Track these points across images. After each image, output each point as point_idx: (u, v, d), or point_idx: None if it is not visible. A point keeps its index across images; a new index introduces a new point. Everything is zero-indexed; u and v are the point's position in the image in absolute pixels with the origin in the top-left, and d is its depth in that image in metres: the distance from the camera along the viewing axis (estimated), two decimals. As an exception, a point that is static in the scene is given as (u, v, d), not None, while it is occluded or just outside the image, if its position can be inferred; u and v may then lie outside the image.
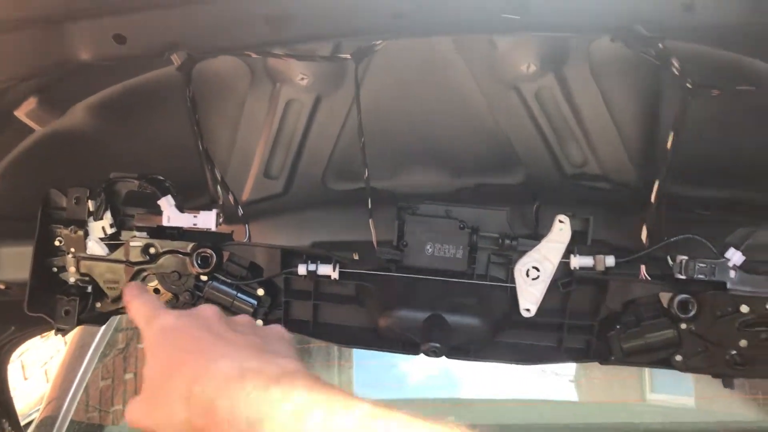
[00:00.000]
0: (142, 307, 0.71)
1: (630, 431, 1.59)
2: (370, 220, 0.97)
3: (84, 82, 0.97)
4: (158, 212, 0.98)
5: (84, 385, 1.74)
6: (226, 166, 1.07)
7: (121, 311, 1.04)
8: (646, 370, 2.74)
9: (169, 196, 0.98)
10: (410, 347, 0.98)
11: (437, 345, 0.91)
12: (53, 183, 1.02)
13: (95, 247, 0.99)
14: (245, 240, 1.01)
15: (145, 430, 0.61)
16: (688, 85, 0.87)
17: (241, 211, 0.98)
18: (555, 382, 2.68)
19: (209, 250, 0.96)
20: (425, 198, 0.99)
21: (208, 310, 0.68)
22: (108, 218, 0.99)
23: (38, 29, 0.73)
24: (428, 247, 0.96)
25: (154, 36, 0.75)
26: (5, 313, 1.42)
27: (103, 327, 1.92)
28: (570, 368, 2.85)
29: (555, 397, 2.45)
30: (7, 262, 1.23)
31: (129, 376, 2.33)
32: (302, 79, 0.95)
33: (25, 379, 3.67)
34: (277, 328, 0.72)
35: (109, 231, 0.99)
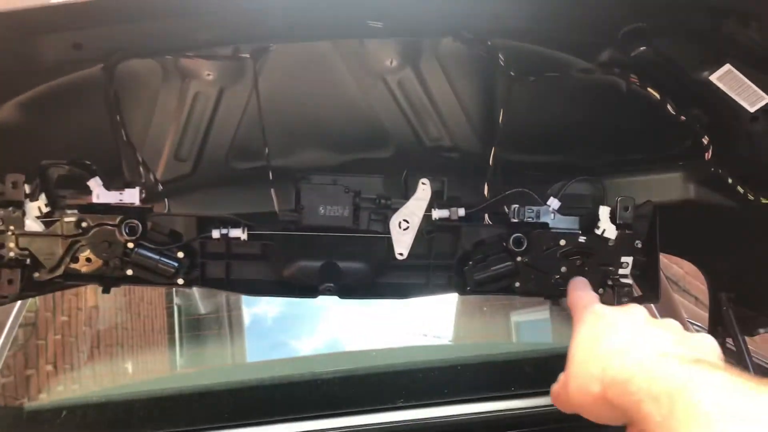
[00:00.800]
0: (580, 297, 0.92)
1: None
2: (272, 189, 1.20)
3: (13, 85, 1.12)
4: (88, 192, 1.16)
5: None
6: (141, 149, 1.25)
7: (56, 282, 1.19)
8: (513, 331, 3.14)
9: (97, 177, 1.15)
10: (309, 291, 1.21)
11: (332, 285, 1.15)
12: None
13: (32, 224, 1.15)
14: (165, 211, 1.21)
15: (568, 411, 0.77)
16: (512, 73, 1.15)
17: (160, 187, 1.17)
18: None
19: (135, 221, 1.15)
20: (316, 172, 1.23)
21: (634, 308, 0.81)
22: (43, 199, 1.15)
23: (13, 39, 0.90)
24: (321, 208, 1.19)
25: (104, 43, 0.94)
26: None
27: (12, 316, 2.02)
28: (448, 333, 3.21)
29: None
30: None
31: (30, 371, 2.40)
32: (208, 75, 1.15)
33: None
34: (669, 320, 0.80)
35: (45, 210, 1.15)
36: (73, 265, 1.18)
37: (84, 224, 1.16)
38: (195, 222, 1.18)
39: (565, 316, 1.94)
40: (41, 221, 1.15)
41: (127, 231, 1.15)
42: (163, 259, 1.18)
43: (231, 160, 1.33)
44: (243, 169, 1.34)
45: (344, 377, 1.75)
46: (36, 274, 1.18)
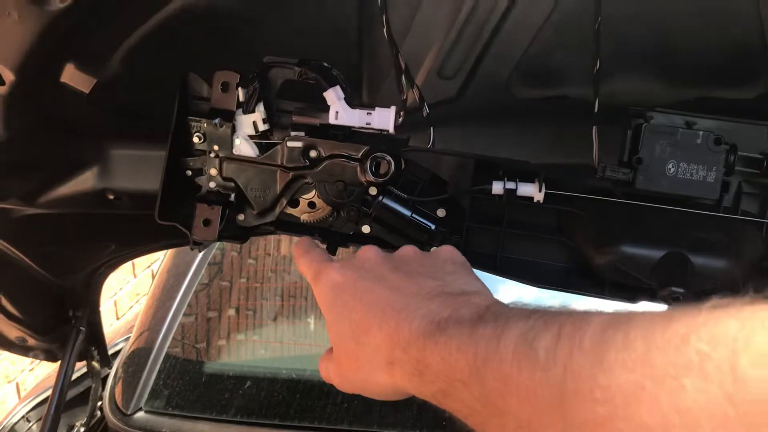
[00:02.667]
0: (307, 264, 0.66)
1: None
2: (594, 128, 0.77)
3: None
4: (322, 107, 0.80)
5: (178, 320, 1.60)
6: (400, 51, 0.87)
7: (266, 228, 0.86)
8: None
9: (338, 87, 0.79)
10: (638, 293, 0.78)
11: (680, 290, 0.71)
12: (187, 69, 0.84)
13: (244, 146, 0.81)
14: (429, 146, 0.82)
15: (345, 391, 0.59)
16: None
17: (426, 110, 0.78)
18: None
19: (387, 156, 0.77)
20: (657, 108, 0.78)
21: (368, 253, 0.63)
22: (261, 111, 0.80)
23: None
24: (670, 165, 0.75)
25: None
26: (106, 229, 1.27)
27: (199, 257, 1.78)
28: None
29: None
30: (119, 168, 1.06)
31: (212, 314, 2.21)
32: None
33: (117, 318, 3.61)
34: (446, 254, 0.62)
35: (262, 127, 0.80)
36: (290, 210, 0.84)
37: (313, 153, 0.80)
38: (471, 166, 0.79)
39: None
40: (255, 143, 0.82)
41: (372, 169, 0.78)
42: (416, 216, 0.80)
43: (515, 83, 0.91)
44: (530, 99, 0.93)
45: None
46: (240, 216, 0.85)
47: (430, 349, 0.47)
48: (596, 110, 0.76)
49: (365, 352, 0.54)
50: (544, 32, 0.84)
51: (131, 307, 3.75)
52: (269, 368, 1.53)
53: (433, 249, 0.66)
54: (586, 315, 0.39)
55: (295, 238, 0.84)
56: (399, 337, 0.50)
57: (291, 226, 0.85)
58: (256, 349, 2.00)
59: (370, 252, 0.63)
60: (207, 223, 0.82)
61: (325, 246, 0.82)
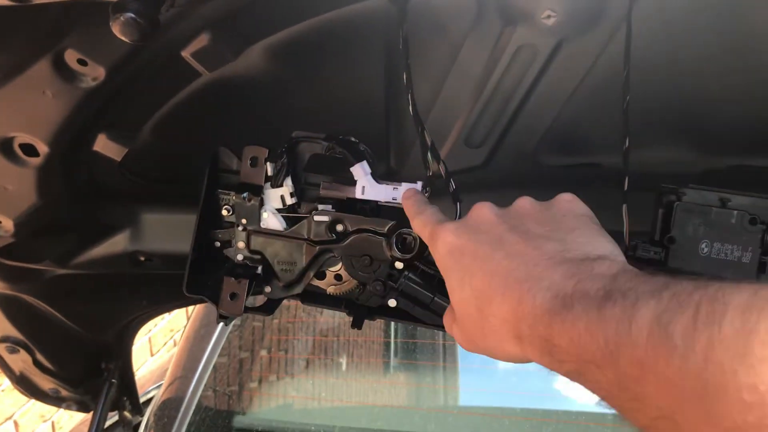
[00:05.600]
0: (422, 225, 0.65)
1: None
2: (624, 207, 0.75)
3: (267, 17, 0.78)
4: (349, 181, 0.80)
5: (212, 365, 1.61)
6: (425, 128, 0.87)
7: (292, 298, 0.86)
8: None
9: (365, 162, 0.79)
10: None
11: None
12: (215, 142, 0.85)
13: (271, 219, 0.81)
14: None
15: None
16: None
17: (453, 185, 0.78)
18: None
19: (413, 233, 0.77)
20: (687, 182, 0.77)
21: (483, 211, 0.60)
22: (288, 185, 0.80)
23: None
24: (703, 245, 0.73)
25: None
26: (137, 287, 1.29)
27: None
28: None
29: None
30: (151, 231, 1.08)
31: (245, 354, 2.21)
32: (548, 17, 0.73)
33: (152, 355, 3.64)
34: (566, 206, 0.59)
35: (289, 201, 0.81)
36: (316, 282, 0.84)
37: (340, 227, 0.80)
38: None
39: None
40: (282, 216, 0.82)
41: (398, 245, 0.77)
42: (438, 297, 0.79)
43: (542, 151, 0.91)
44: (556, 167, 0.92)
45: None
46: (267, 289, 0.85)
47: (558, 329, 0.45)
48: (626, 188, 0.74)
49: (491, 323, 0.52)
50: (571, 103, 0.84)
51: (165, 344, 3.78)
52: (297, 424, 1.52)
53: (554, 199, 0.62)
54: (723, 292, 0.36)
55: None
56: (524, 312, 0.49)
57: (318, 298, 0.84)
58: (288, 390, 1.99)
59: (484, 210, 0.60)
60: (234, 297, 0.82)
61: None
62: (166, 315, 3.83)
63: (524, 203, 0.61)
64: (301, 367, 2.25)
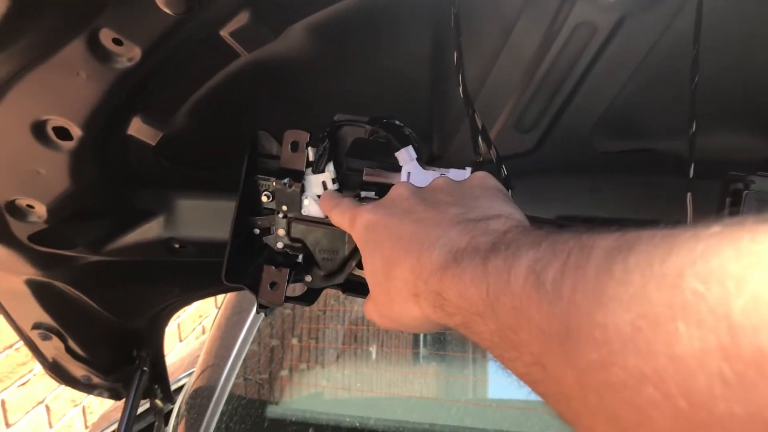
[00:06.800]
0: (342, 214, 0.67)
1: None
2: (689, 195, 0.70)
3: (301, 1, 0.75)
4: (393, 167, 0.76)
5: (244, 353, 1.58)
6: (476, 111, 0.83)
7: (333, 288, 0.83)
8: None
9: (410, 147, 0.74)
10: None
11: None
12: (253, 125, 0.82)
13: (313, 206, 0.78)
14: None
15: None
16: None
17: (505, 171, 0.73)
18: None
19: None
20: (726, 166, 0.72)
21: (400, 189, 0.62)
22: (330, 171, 0.77)
23: None
24: None
25: None
26: (170, 274, 1.27)
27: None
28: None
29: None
30: (185, 218, 1.05)
31: (275, 342, 2.20)
32: (612, -8, 0.68)
33: (181, 341, 3.66)
34: (477, 180, 0.61)
35: (331, 187, 0.77)
36: (358, 272, 0.80)
37: (379, 207, 0.76)
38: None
39: None
40: (325, 203, 0.78)
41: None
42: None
43: (597, 136, 0.86)
44: (613, 153, 0.87)
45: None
46: (308, 278, 0.82)
47: (448, 282, 0.47)
48: (691, 176, 0.69)
49: (395, 286, 0.54)
50: (631, 85, 0.79)
51: (194, 329, 3.79)
52: (331, 415, 1.49)
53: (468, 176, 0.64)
54: (593, 239, 0.36)
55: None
56: (421, 269, 0.51)
57: (359, 288, 0.81)
58: (319, 380, 1.97)
59: (401, 188, 0.63)
60: (274, 285, 0.79)
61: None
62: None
63: (439, 181, 0.63)
64: (332, 356, 2.23)
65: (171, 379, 1.66)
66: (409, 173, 0.74)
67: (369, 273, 0.59)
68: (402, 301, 0.54)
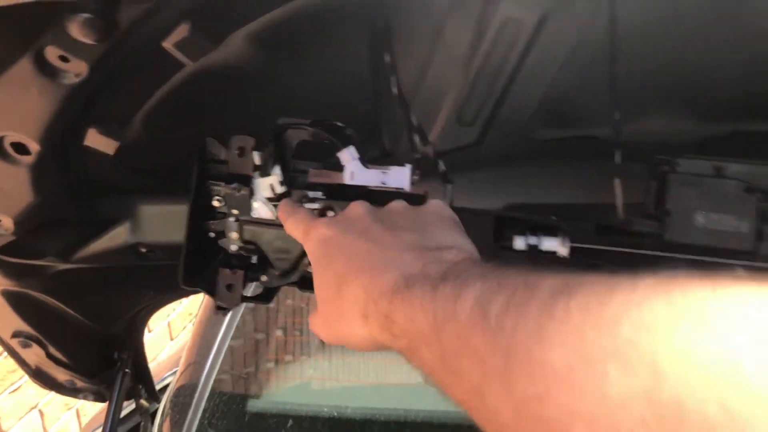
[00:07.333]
0: (296, 224, 0.68)
1: None
2: (617, 180, 0.74)
3: (246, 3, 0.77)
4: (337, 167, 0.79)
5: (224, 349, 1.62)
6: (410, 109, 0.86)
7: (289, 285, 0.86)
8: None
9: (352, 148, 0.78)
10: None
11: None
12: (204, 131, 0.85)
13: (262, 209, 0.81)
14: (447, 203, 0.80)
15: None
16: None
17: (442, 166, 0.77)
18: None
19: (403, 215, 0.76)
20: (681, 152, 0.75)
21: (357, 209, 0.63)
22: (277, 174, 0.80)
23: None
24: (699, 216, 0.72)
25: None
26: (143, 278, 1.30)
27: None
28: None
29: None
30: (150, 223, 1.08)
31: (260, 335, 2.22)
32: (531, -10, 0.71)
33: (171, 339, 3.69)
34: (433, 208, 0.63)
35: (279, 190, 0.80)
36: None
37: (330, 214, 0.79)
38: (490, 223, 0.77)
39: None
40: (273, 205, 0.81)
41: (388, 229, 0.76)
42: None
43: (536, 126, 0.89)
44: (553, 141, 0.90)
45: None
46: (263, 278, 0.85)
47: (397, 305, 0.48)
48: (618, 161, 0.73)
49: (345, 303, 0.55)
50: (562, 75, 0.82)
51: (184, 328, 3.82)
52: (311, 406, 1.53)
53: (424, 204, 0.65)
54: (539, 279, 0.38)
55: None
56: (372, 290, 0.51)
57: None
58: (304, 371, 2.00)
59: (358, 207, 0.63)
60: (230, 288, 0.82)
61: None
62: (183, 299, 3.86)
63: (396, 205, 0.64)
64: (315, 347, 2.26)
65: (157, 378, 1.69)
66: (352, 172, 0.77)
67: (319, 288, 0.60)
68: (350, 318, 0.54)
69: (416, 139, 0.75)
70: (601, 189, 0.81)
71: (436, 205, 0.63)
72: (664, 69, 0.78)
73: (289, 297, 2.37)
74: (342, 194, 0.79)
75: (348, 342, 0.58)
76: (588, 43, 0.77)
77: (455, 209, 0.79)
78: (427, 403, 1.50)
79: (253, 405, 1.52)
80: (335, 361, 2.35)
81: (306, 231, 0.65)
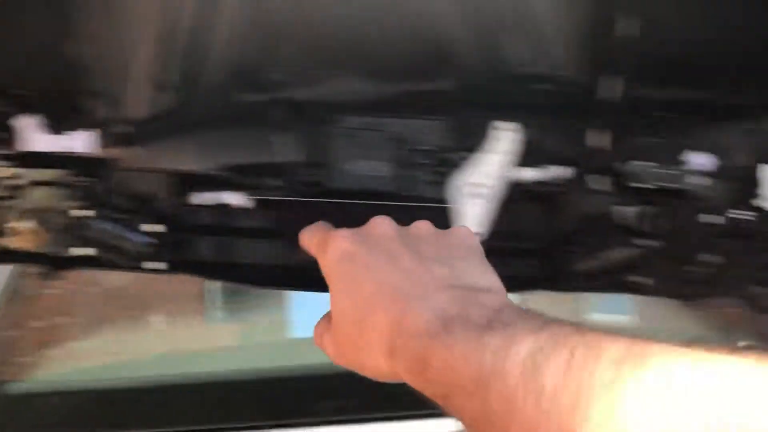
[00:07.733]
0: (311, 233, 0.64)
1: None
2: (273, 137, 0.82)
3: None
4: (23, 135, 0.80)
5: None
6: (108, 74, 0.88)
7: None
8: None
9: (33, 114, 0.80)
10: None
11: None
12: None
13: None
14: (135, 165, 0.85)
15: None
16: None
17: (130, 129, 0.81)
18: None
19: (88, 178, 0.80)
20: (350, 110, 0.85)
21: (382, 227, 0.59)
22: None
23: None
24: (352, 164, 0.82)
25: None
26: None
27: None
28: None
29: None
30: None
31: (38, 323, 2.15)
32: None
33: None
34: (460, 238, 0.60)
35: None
36: (4, 239, 0.84)
37: (18, 182, 0.81)
38: (176, 181, 0.82)
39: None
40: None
41: (81, 193, 0.80)
42: (128, 234, 0.83)
43: (234, 89, 0.95)
44: (251, 104, 0.97)
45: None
46: (-45, 250, 0.85)
47: (434, 350, 0.45)
48: (274, 117, 0.80)
49: (368, 334, 0.52)
50: (258, 40, 0.88)
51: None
52: (76, 382, 1.53)
53: (450, 229, 0.63)
54: (599, 341, 0.37)
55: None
56: (402, 326, 0.49)
57: (9, 255, 0.85)
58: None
59: (383, 224, 0.59)
60: None
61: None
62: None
63: (423, 225, 0.61)
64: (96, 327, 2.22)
65: None
66: (35, 139, 0.79)
67: (338, 310, 0.55)
68: (372, 351, 0.51)
69: (106, 104, 0.79)
70: (280, 149, 0.88)
71: (462, 233, 0.61)
72: (339, 31, 0.87)
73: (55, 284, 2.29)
74: (31, 162, 0.81)
75: (362, 370, 0.54)
76: (276, 12, 0.83)
77: (143, 169, 0.84)
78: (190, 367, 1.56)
79: (17, 387, 1.49)
80: (126, 337, 2.31)
81: (323, 241, 0.60)
